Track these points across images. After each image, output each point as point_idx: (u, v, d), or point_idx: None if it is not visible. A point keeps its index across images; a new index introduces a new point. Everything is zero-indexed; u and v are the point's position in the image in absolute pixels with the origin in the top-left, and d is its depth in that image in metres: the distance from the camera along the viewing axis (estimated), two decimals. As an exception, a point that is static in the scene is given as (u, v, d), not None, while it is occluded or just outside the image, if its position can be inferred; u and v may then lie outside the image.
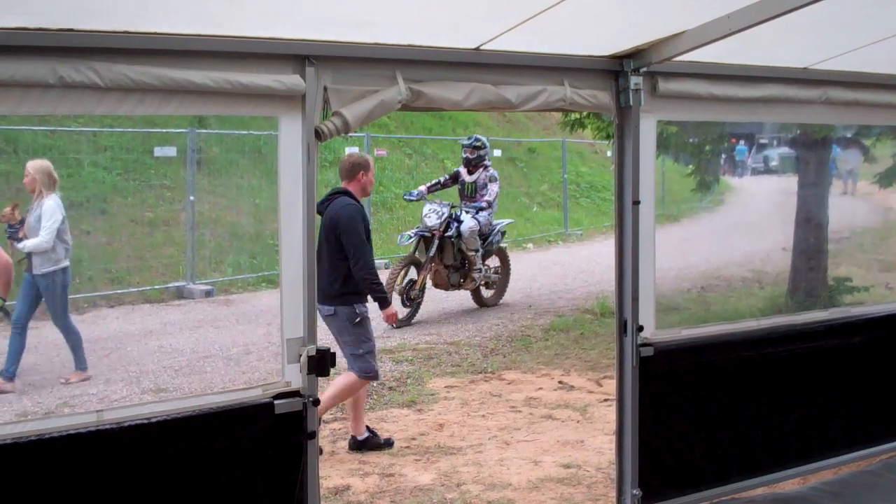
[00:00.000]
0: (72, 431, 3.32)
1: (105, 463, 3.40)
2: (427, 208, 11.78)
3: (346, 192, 6.85)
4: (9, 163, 13.77)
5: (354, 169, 6.91)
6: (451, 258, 11.94)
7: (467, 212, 12.04)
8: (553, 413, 7.79)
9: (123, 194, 14.98)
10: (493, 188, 12.23)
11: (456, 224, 11.93)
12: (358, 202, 6.87)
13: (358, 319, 6.64)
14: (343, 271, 6.62)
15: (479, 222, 12.05)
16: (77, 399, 8.24)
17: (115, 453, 3.41)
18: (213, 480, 3.65)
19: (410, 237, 11.75)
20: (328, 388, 6.81)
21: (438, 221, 11.62)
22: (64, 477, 3.31)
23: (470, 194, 12.29)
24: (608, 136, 11.59)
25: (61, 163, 14.27)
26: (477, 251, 12.14)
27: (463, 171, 12.24)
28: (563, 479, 6.21)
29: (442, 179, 12.38)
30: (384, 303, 6.69)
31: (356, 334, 6.68)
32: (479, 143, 12.01)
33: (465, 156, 12.15)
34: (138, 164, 15.44)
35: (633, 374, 4.66)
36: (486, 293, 12.85)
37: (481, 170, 12.24)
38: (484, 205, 12.04)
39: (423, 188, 12.17)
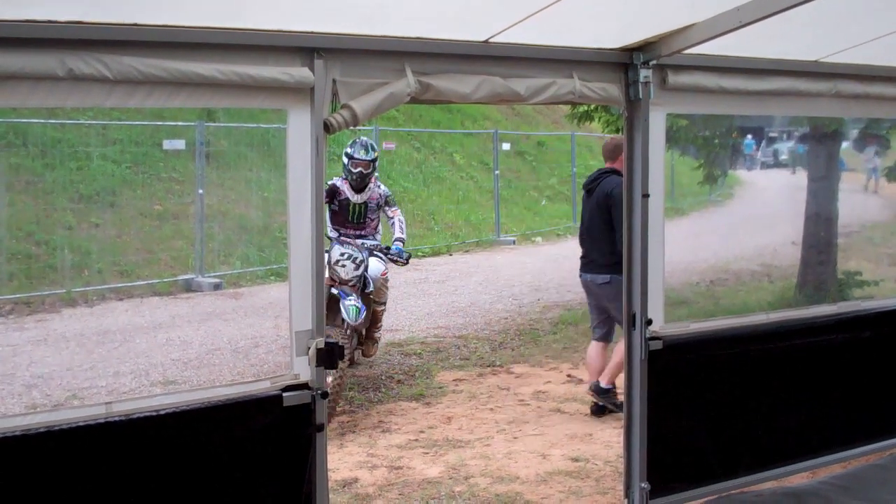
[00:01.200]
0: (81, 423, 3.32)
1: (114, 455, 3.40)
2: (338, 252, 7.88)
3: (614, 171, 7.33)
4: (18, 155, 13.81)
5: (617, 150, 7.30)
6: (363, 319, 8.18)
7: (367, 250, 8.19)
8: (561, 406, 7.79)
9: (132, 187, 15.01)
10: (399, 215, 8.60)
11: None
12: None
13: None
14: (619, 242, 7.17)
15: (385, 265, 8.49)
16: (86, 391, 8.26)
17: (124, 445, 3.42)
18: (222, 472, 3.66)
19: (361, 310, 7.82)
20: (614, 357, 7.38)
21: (357, 274, 7.86)
22: (73, 469, 3.32)
23: (356, 220, 8.41)
24: (617, 130, 11.53)
25: (70, 156, 14.34)
26: (385, 304, 8.71)
27: (345, 187, 8.31)
28: (571, 472, 6.21)
29: None
30: None
31: None
32: (376, 155, 8.41)
33: (357, 170, 8.21)
34: (147, 157, 15.47)
35: (641, 368, 4.66)
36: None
37: (372, 185, 8.42)
38: (401, 245, 8.40)
39: None
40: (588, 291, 7.59)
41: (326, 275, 7.40)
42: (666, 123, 4.72)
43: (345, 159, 8.26)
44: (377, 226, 8.59)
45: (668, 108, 4.70)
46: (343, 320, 7.68)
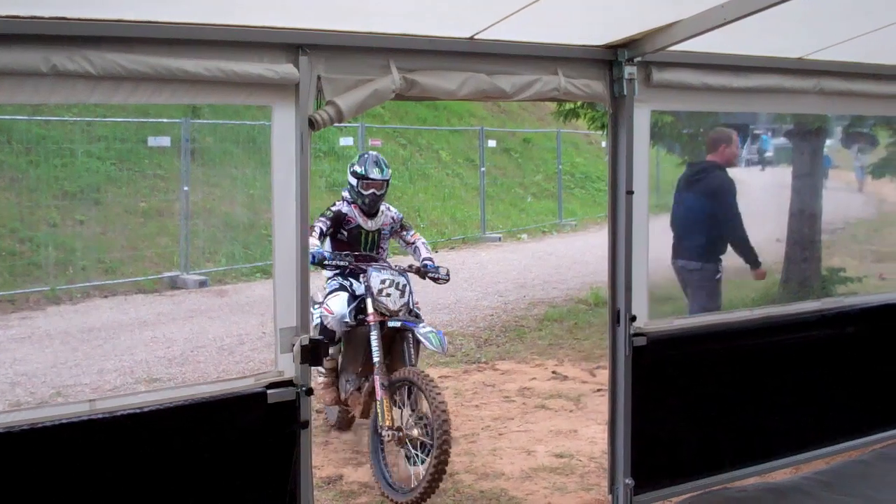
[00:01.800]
0: (64, 421, 3.32)
1: (97, 452, 3.40)
2: (378, 279, 6.40)
3: (717, 165, 7.62)
4: (2, 152, 13.74)
5: (716, 143, 7.70)
6: (399, 358, 6.49)
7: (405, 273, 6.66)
8: (546, 403, 7.80)
9: (117, 184, 14.94)
10: (420, 237, 7.23)
11: None
12: (725, 172, 7.67)
13: (718, 276, 7.57)
14: (712, 233, 7.51)
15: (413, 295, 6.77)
16: (70, 389, 8.23)
17: (108, 442, 3.41)
18: (206, 469, 3.66)
19: (440, 334, 6.26)
20: None
21: (404, 301, 6.44)
22: (56, 466, 3.31)
23: (370, 248, 6.91)
24: (602, 127, 11.54)
25: (55, 153, 14.26)
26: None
27: (355, 212, 6.81)
28: (555, 468, 6.22)
29: (324, 227, 6.69)
30: (755, 264, 7.75)
31: (711, 290, 7.58)
32: (390, 174, 6.90)
33: (369, 192, 6.74)
34: (132, 153, 15.40)
35: (625, 364, 4.67)
36: None
37: (384, 209, 6.99)
38: (432, 263, 6.85)
39: (317, 243, 6.51)
40: (678, 276, 7.83)
41: (370, 308, 6.26)
42: (650, 120, 4.73)
43: (352, 180, 6.78)
44: (387, 255, 7.14)
45: (652, 104, 4.71)
46: (415, 355, 6.38)
